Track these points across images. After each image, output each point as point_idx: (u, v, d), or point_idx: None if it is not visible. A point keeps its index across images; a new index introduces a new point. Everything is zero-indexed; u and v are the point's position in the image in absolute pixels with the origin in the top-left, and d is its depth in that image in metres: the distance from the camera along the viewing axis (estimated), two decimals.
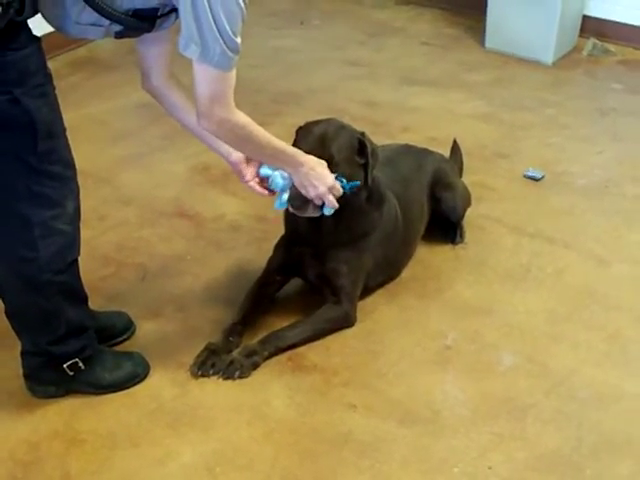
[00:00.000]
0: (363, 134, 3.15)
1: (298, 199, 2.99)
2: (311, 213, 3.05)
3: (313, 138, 3.09)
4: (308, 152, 3.00)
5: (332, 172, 2.99)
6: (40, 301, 2.70)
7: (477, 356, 3.15)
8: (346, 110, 4.53)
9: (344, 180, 3.02)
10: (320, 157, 3.00)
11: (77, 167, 4.05)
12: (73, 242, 2.71)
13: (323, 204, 3.01)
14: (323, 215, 3.07)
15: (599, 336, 3.25)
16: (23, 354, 2.87)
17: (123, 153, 4.36)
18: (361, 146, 3.12)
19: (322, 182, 2.93)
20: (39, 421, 2.84)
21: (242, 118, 2.71)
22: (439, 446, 2.78)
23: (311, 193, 2.94)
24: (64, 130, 2.63)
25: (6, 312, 2.80)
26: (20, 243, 2.61)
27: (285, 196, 3.01)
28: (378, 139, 3.29)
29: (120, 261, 3.57)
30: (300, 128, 3.17)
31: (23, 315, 2.78)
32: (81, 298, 2.84)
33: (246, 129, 2.73)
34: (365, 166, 3.13)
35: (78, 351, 2.84)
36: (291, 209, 3.05)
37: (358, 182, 3.08)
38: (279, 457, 2.73)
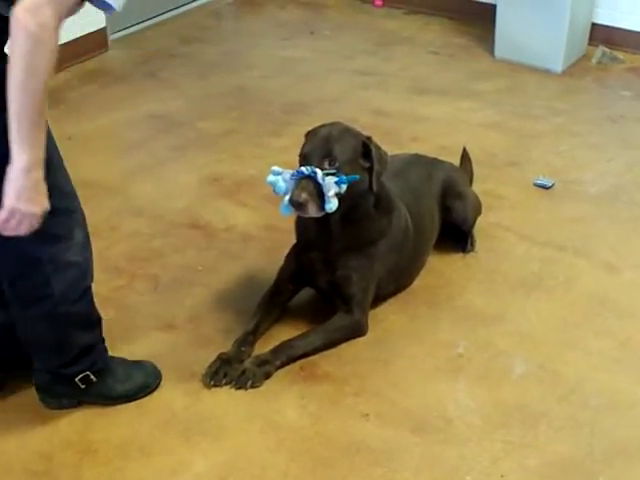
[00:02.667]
0: (369, 138, 3.16)
1: (297, 199, 2.98)
2: (314, 213, 3.04)
3: (317, 138, 3.12)
4: (312, 151, 3.05)
5: (334, 174, 3.00)
6: (54, 332, 2.71)
7: (489, 364, 3.15)
8: (356, 119, 4.52)
9: (342, 176, 3.02)
10: (323, 158, 3.03)
11: (88, 178, 4.12)
12: (86, 271, 2.71)
13: (324, 202, 3.00)
14: (328, 216, 3.07)
15: (611, 343, 3.25)
16: (34, 370, 2.88)
17: (134, 164, 4.37)
18: (366, 149, 3.13)
19: (38, 202, 2.38)
20: (52, 431, 2.85)
21: (56, 43, 2.29)
22: (451, 454, 2.78)
23: (15, 204, 2.34)
24: (62, 160, 2.58)
25: (18, 336, 2.80)
26: (34, 284, 2.60)
27: (287, 198, 3.02)
28: (388, 148, 3.30)
29: (132, 272, 3.58)
30: (309, 132, 3.19)
31: (35, 343, 2.79)
32: (94, 322, 2.84)
33: (50, 54, 2.26)
34: (370, 170, 3.14)
35: (89, 366, 2.84)
36: (293, 210, 3.05)
37: (357, 176, 3.08)
38: (292, 466, 2.74)
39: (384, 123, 4.73)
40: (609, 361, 3.17)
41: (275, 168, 3.09)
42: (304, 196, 2.98)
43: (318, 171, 3.00)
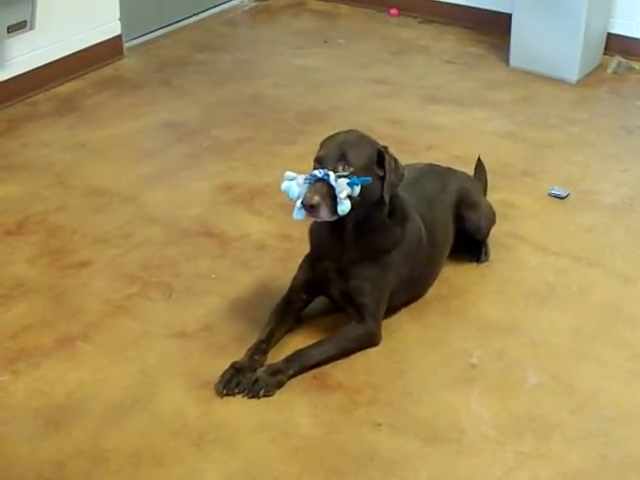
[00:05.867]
0: (385, 147, 3.16)
1: (310, 201, 2.98)
2: (326, 216, 3.03)
3: (333, 144, 3.13)
4: (326, 156, 3.07)
5: (347, 176, 3.01)
6: None
7: (502, 374, 3.14)
8: (370, 128, 4.48)
9: (355, 177, 3.02)
10: (337, 162, 3.04)
11: (102, 186, 4.15)
12: None
13: (336, 205, 2.99)
14: (341, 225, 3.10)
15: (625, 354, 3.23)
16: None
17: (148, 172, 4.38)
18: (380, 158, 3.13)
19: None
20: (64, 439, 2.84)
21: None
22: (464, 465, 2.77)
23: None
24: None
25: None
26: None
27: (299, 202, 3.03)
28: (403, 157, 3.30)
29: (145, 280, 3.58)
30: (324, 139, 3.20)
31: None
32: None
33: None
34: (383, 179, 3.14)
35: None
36: (305, 214, 3.04)
37: (369, 178, 3.07)
38: (304, 476, 2.73)
39: (399, 132, 4.73)
40: (623, 372, 3.15)
41: (289, 173, 3.10)
42: (316, 198, 2.98)
43: (330, 173, 3.00)
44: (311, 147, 3.31)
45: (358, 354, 3.19)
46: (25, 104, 5.00)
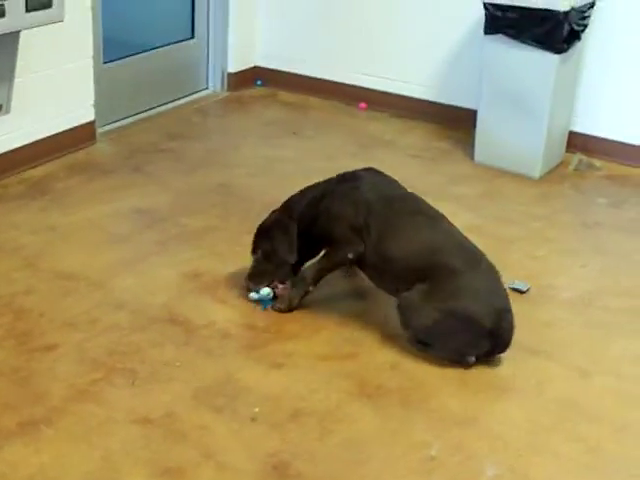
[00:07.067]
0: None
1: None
2: None
3: None
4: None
5: None
6: None
7: (461, 467, 3.18)
8: None
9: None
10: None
11: (71, 270, 4.19)
12: None
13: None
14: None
15: (581, 448, 3.29)
16: None
17: (118, 257, 4.43)
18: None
19: None
20: None
21: None
22: None
23: None
24: None
25: None
26: None
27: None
28: None
29: (110, 365, 3.60)
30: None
31: None
32: None
33: None
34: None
35: None
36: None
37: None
38: None
39: None
40: (579, 466, 3.21)
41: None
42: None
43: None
44: None
45: (319, 444, 3.23)
46: None
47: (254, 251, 4.06)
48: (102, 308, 4.00)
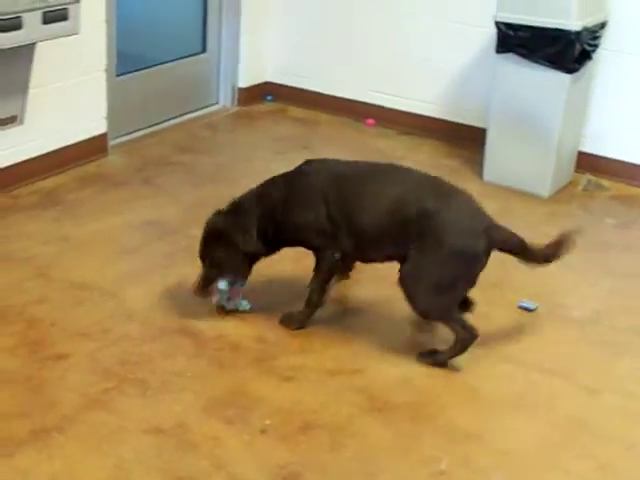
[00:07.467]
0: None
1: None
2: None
3: None
4: None
5: None
6: None
7: None
8: None
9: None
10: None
11: (83, 280, 4.21)
12: None
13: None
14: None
15: (591, 466, 3.31)
16: None
17: (129, 268, 4.45)
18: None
19: None
20: None
21: None
22: None
23: None
24: None
25: None
26: None
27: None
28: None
29: (122, 375, 3.63)
30: None
31: None
32: None
33: None
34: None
35: None
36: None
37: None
38: None
39: None
40: None
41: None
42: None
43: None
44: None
45: (331, 457, 3.26)
46: (8, 196, 5.08)
47: (202, 257, 4.01)
48: (114, 318, 4.03)
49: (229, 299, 4.05)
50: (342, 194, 3.83)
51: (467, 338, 3.74)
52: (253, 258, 3.99)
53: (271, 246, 3.98)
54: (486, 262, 3.78)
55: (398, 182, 3.88)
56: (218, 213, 4.02)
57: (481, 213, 3.83)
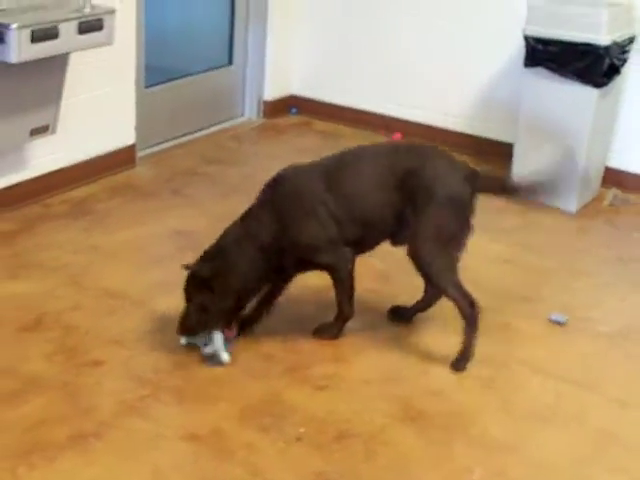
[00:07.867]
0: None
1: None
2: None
3: None
4: None
5: None
6: None
7: None
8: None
9: None
10: None
11: (114, 288, 4.24)
12: None
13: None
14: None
15: (624, 479, 3.32)
16: None
17: (159, 278, 4.48)
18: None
19: None
20: None
21: None
22: None
23: None
24: None
25: None
26: None
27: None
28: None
29: (156, 382, 3.66)
30: None
31: None
32: None
33: None
34: None
35: None
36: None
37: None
38: None
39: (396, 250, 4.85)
40: None
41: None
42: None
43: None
44: None
45: (365, 466, 3.27)
46: (40, 205, 5.13)
47: (188, 300, 3.79)
48: (146, 326, 4.05)
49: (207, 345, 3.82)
50: (332, 186, 3.85)
51: (470, 311, 3.82)
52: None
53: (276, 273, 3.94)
54: (474, 207, 3.97)
55: (376, 157, 4.01)
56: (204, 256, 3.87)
57: (459, 163, 4.01)
